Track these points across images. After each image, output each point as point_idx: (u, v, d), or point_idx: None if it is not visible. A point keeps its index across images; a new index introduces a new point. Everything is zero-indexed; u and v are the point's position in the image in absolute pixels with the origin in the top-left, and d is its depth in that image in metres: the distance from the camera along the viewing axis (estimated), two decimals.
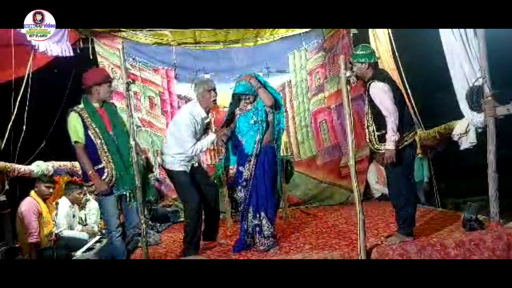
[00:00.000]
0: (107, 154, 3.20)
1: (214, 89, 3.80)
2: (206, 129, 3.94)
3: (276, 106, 3.78)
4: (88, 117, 3.19)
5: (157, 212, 5.69)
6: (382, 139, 3.44)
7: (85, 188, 4.22)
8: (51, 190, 4.35)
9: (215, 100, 3.81)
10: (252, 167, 3.69)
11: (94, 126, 3.18)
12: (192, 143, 3.69)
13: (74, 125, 3.18)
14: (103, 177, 3.19)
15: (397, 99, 3.45)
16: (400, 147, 3.41)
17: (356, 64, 3.48)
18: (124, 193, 3.27)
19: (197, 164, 3.92)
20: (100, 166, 3.21)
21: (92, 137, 3.18)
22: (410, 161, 3.53)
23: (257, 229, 3.69)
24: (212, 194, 3.98)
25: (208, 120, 3.88)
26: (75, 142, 3.19)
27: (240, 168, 3.77)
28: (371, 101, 3.47)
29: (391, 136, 3.34)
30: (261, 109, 3.70)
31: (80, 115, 3.19)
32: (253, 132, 3.70)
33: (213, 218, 4.02)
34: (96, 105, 3.28)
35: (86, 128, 3.18)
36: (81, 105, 3.25)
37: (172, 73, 6.43)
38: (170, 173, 3.84)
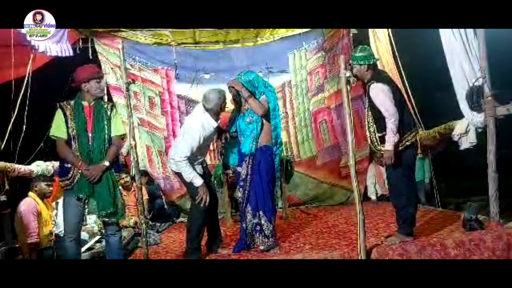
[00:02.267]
0: (78, 156, 3.11)
1: (225, 100, 3.65)
2: (218, 133, 3.84)
3: (270, 111, 3.67)
4: (71, 114, 3.11)
5: (156, 211, 5.70)
6: (383, 140, 3.44)
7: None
8: (51, 188, 4.33)
9: (224, 107, 3.68)
10: (248, 167, 3.68)
11: (73, 125, 3.10)
12: (183, 155, 3.48)
13: (57, 120, 3.12)
14: (67, 177, 3.11)
15: (397, 99, 3.45)
16: (400, 148, 3.41)
17: (355, 66, 3.47)
18: (81, 196, 3.12)
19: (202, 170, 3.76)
20: (67, 165, 3.12)
21: (71, 136, 3.11)
22: (411, 162, 3.53)
23: (257, 228, 3.69)
24: (213, 201, 3.76)
25: (217, 124, 3.70)
26: (55, 136, 3.12)
27: (238, 169, 3.78)
28: (371, 102, 3.47)
29: (391, 137, 3.34)
30: None
31: (63, 111, 3.11)
32: (249, 132, 3.70)
33: (213, 225, 3.84)
34: (85, 103, 3.17)
35: (67, 126, 3.11)
36: (72, 101, 3.16)
37: (172, 73, 6.42)
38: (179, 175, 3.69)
